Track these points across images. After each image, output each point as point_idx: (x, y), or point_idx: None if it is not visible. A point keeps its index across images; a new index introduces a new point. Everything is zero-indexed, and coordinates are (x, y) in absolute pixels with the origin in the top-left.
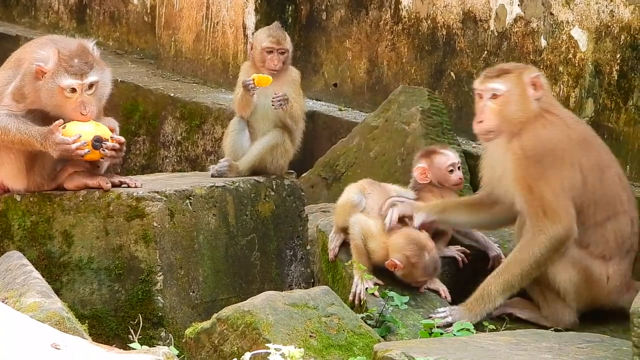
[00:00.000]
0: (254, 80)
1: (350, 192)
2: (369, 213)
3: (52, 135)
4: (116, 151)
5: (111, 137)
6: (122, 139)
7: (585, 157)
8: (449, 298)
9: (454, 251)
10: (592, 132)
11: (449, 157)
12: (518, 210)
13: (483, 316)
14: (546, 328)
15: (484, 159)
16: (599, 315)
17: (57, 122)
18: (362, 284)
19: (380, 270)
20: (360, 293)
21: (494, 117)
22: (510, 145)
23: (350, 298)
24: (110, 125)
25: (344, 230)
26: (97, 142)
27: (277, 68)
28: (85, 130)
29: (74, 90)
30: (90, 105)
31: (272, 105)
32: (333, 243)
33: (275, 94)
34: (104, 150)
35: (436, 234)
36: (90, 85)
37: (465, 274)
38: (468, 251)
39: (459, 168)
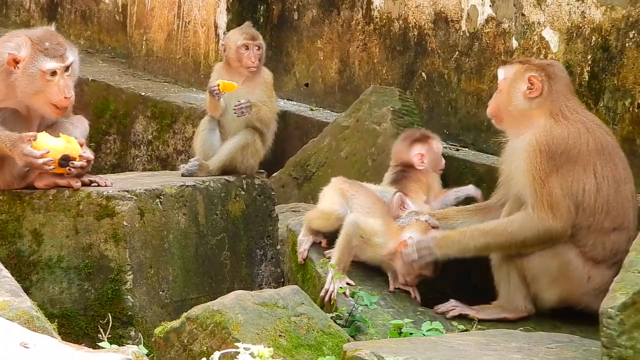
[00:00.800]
0: (218, 86)
1: (334, 203)
2: (359, 212)
3: (22, 144)
4: (83, 168)
5: (79, 156)
6: (91, 156)
7: (601, 165)
8: (418, 298)
9: None
10: (615, 143)
11: (440, 141)
12: (524, 202)
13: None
14: (508, 321)
15: (502, 158)
16: (569, 316)
17: (29, 133)
18: (334, 282)
19: (355, 270)
20: (333, 292)
21: (493, 102)
22: (524, 138)
23: (322, 294)
24: (81, 140)
25: (316, 232)
26: (64, 161)
27: (255, 64)
28: (55, 146)
29: (54, 73)
30: (70, 88)
31: (235, 112)
32: (302, 246)
33: (238, 101)
34: (70, 170)
35: None
36: (68, 67)
37: (439, 276)
38: None
39: None
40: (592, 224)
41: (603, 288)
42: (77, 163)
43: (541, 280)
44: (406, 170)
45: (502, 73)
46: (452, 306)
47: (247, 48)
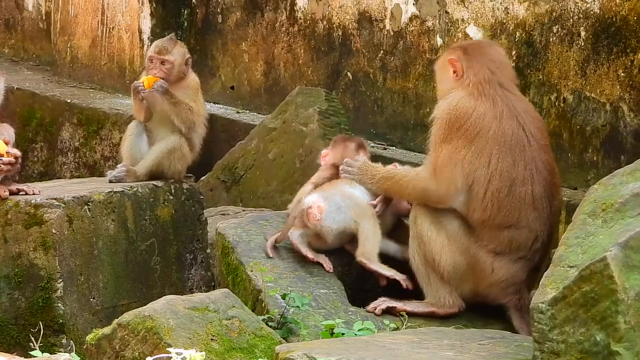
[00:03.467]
0: (143, 82)
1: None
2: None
3: None
4: (12, 165)
5: (7, 152)
6: (18, 152)
7: (497, 157)
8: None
9: None
10: (525, 139)
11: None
12: None
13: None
14: (437, 316)
15: None
16: (500, 313)
17: None
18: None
19: (285, 272)
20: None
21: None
22: (438, 104)
23: None
24: (6, 138)
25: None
26: None
27: (157, 77)
28: None
29: None
30: None
31: (150, 90)
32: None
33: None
34: (0, 166)
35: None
36: None
37: (369, 275)
38: None
39: None
40: (485, 219)
41: (510, 281)
42: (5, 159)
43: (455, 277)
44: (333, 173)
45: (435, 66)
46: (381, 301)
47: (152, 61)
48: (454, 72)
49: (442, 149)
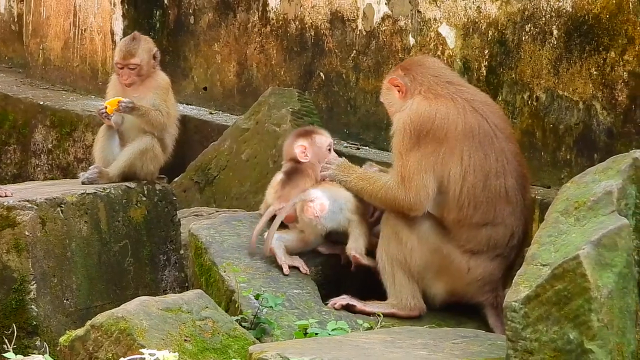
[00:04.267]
0: (106, 108)
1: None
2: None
3: None
4: None
5: None
6: None
7: (468, 152)
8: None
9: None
10: (491, 131)
11: (327, 137)
12: None
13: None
14: (398, 317)
15: None
16: (474, 312)
17: None
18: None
19: (258, 273)
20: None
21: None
22: (395, 118)
23: None
24: None
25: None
26: None
27: (127, 83)
28: None
29: None
30: None
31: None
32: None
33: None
34: None
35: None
36: None
37: (343, 272)
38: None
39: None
40: (462, 219)
41: (487, 279)
42: None
43: (426, 277)
44: (296, 166)
45: (380, 96)
46: (341, 298)
47: (121, 67)
48: (398, 90)
49: (409, 157)
